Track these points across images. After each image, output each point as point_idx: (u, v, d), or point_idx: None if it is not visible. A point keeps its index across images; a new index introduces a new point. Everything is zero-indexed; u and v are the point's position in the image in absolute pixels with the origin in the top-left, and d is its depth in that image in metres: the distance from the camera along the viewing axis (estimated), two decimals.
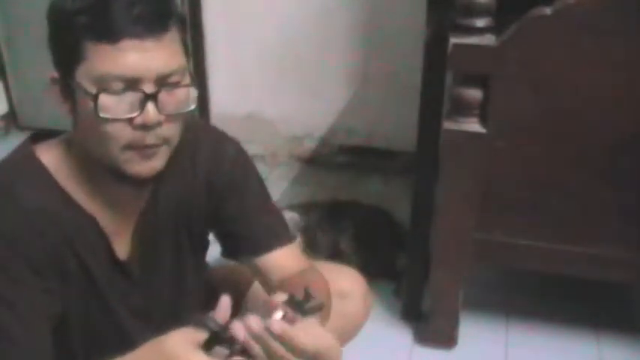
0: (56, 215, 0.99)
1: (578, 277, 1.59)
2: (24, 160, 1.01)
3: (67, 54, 0.92)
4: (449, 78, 1.49)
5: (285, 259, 1.15)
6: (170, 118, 0.93)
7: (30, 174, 1.00)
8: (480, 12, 1.39)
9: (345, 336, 1.32)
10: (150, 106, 0.90)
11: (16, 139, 2.80)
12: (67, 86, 0.94)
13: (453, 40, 1.41)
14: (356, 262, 1.93)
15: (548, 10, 1.35)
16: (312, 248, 1.99)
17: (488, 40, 1.40)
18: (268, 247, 1.15)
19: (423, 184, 1.64)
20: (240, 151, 1.17)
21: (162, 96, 0.91)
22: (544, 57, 1.39)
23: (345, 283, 1.32)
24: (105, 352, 0.93)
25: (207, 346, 0.86)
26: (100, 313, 1.08)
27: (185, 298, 1.18)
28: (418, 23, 1.58)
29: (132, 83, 0.89)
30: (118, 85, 0.89)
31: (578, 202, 1.50)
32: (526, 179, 1.50)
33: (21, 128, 2.86)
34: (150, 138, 0.93)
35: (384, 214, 2.10)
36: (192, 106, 0.96)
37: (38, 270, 0.96)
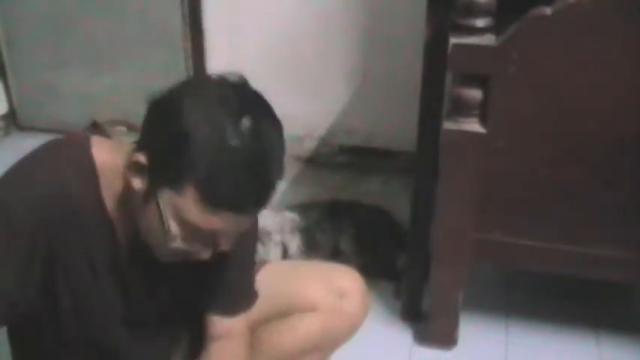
0: (77, 209, 0.99)
1: (578, 277, 1.59)
2: (75, 149, 1.01)
3: (167, 172, 0.90)
4: (449, 78, 1.49)
5: (223, 326, 1.19)
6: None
7: (74, 154, 1.00)
8: (480, 12, 1.39)
9: (343, 335, 1.36)
10: (209, 251, 0.95)
11: (16, 139, 2.81)
12: (150, 183, 0.93)
13: (453, 40, 1.41)
14: (356, 262, 1.94)
15: (548, 10, 1.35)
16: (312, 248, 2.00)
17: (488, 40, 1.40)
18: (217, 313, 1.19)
19: (423, 184, 1.64)
20: (254, 226, 1.18)
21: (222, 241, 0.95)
22: (544, 57, 1.39)
23: (343, 282, 1.34)
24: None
25: None
26: (89, 316, 1.09)
27: (171, 337, 1.23)
28: (418, 23, 1.58)
29: (211, 236, 0.93)
30: (200, 234, 0.92)
31: (578, 202, 1.50)
32: (526, 179, 1.50)
33: (21, 128, 2.86)
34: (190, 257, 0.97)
35: (384, 214, 2.10)
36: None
37: (26, 252, 0.97)
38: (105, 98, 2.61)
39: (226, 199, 0.87)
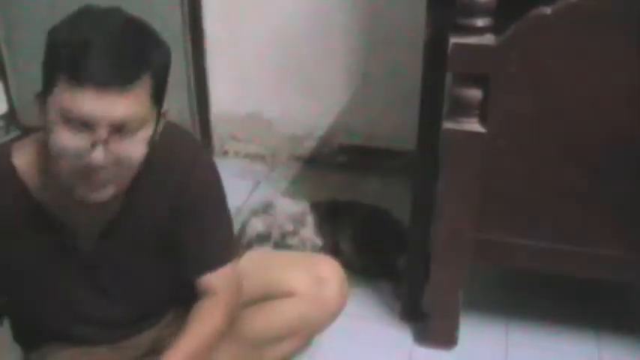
0: (10, 210, 1.09)
1: (578, 277, 1.59)
2: None
3: (45, 78, 0.98)
4: (449, 78, 1.49)
5: (208, 282, 1.23)
6: (118, 164, 0.99)
7: None
8: (480, 12, 1.39)
9: (321, 321, 1.42)
10: (97, 150, 0.95)
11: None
12: (44, 105, 1.00)
13: (453, 40, 1.41)
14: (356, 262, 1.94)
15: (548, 10, 1.35)
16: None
17: (488, 40, 1.40)
18: (200, 273, 1.23)
19: (423, 184, 1.64)
20: (209, 174, 1.23)
21: (114, 143, 0.96)
22: (544, 57, 1.39)
23: (322, 269, 1.41)
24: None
25: None
26: (56, 295, 1.19)
27: (143, 295, 1.27)
28: (418, 23, 1.58)
29: (87, 125, 0.95)
30: (75, 123, 0.95)
31: (578, 202, 1.50)
32: (526, 179, 1.50)
33: (21, 128, 2.86)
34: (95, 176, 0.99)
35: (384, 214, 2.10)
36: (140, 159, 1.01)
37: None
38: None
39: (88, 73, 0.92)
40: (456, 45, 1.40)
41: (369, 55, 2.51)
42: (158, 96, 1.01)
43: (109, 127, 0.95)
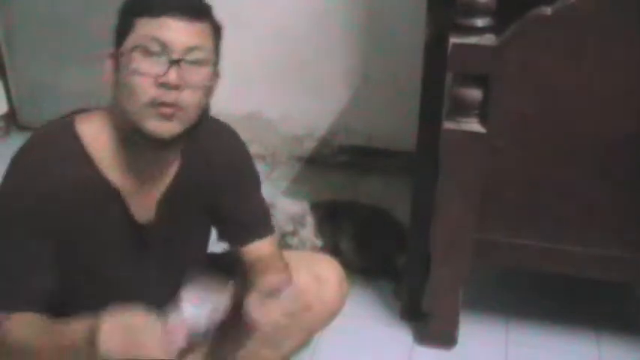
0: (77, 182, 1.12)
1: (578, 277, 1.59)
2: (60, 129, 1.16)
3: (121, 30, 1.11)
4: (449, 78, 1.49)
5: (260, 249, 1.32)
6: (189, 86, 1.08)
7: (61, 142, 1.14)
8: (480, 12, 1.39)
9: (320, 321, 1.43)
10: (172, 70, 1.06)
11: (16, 139, 2.81)
12: (117, 57, 1.11)
13: (453, 40, 1.41)
14: (356, 262, 1.94)
15: (548, 10, 1.35)
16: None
17: (488, 40, 1.40)
18: (250, 239, 1.32)
19: (423, 184, 1.64)
20: (245, 151, 1.35)
21: (185, 66, 1.07)
22: (544, 57, 1.39)
23: (321, 269, 1.42)
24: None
25: None
26: (107, 271, 1.21)
27: (186, 267, 1.29)
28: (418, 23, 1.58)
29: (162, 50, 1.06)
30: (154, 47, 1.06)
31: (578, 202, 1.50)
32: (526, 179, 1.50)
33: (21, 128, 2.86)
34: (168, 97, 1.07)
35: (384, 214, 2.10)
36: (210, 84, 1.13)
37: (41, 234, 1.11)
38: (105, 98, 2.61)
39: (162, 7, 1.07)
40: (456, 45, 1.40)
41: (369, 55, 2.51)
42: (217, 46, 1.14)
43: (182, 49, 1.07)
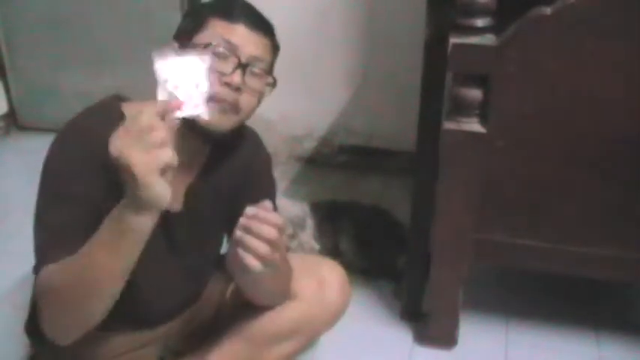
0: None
1: (578, 277, 1.59)
2: (107, 106, 1.21)
3: (192, 25, 1.19)
4: (449, 78, 1.49)
5: None
6: (248, 90, 1.18)
7: (108, 115, 1.15)
8: (480, 12, 1.39)
9: (323, 324, 1.44)
10: (238, 72, 1.15)
11: (16, 139, 2.82)
12: (185, 45, 1.17)
13: (453, 40, 1.41)
14: (356, 262, 1.94)
15: (548, 10, 1.35)
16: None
17: (488, 40, 1.40)
18: None
19: (423, 184, 1.64)
20: (269, 157, 1.42)
21: (249, 73, 1.17)
22: (544, 57, 1.39)
23: (324, 272, 1.42)
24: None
25: None
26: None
27: (205, 262, 1.38)
28: (418, 23, 1.58)
29: (233, 50, 1.15)
30: (225, 48, 1.15)
31: (578, 202, 1.50)
32: (526, 179, 1.50)
33: (21, 128, 2.86)
34: (229, 96, 1.15)
35: (384, 214, 2.10)
36: (265, 94, 1.24)
37: (91, 195, 1.10)
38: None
39: (240, 15, 1.18)
40: (456, 45, 1.40)
41: (369, 55, 2.51)
42: (273, 63, 1.25)
43: (249, 56, 1.17)
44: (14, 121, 2.88)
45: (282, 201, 2.12)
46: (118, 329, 1.28)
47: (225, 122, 1.17)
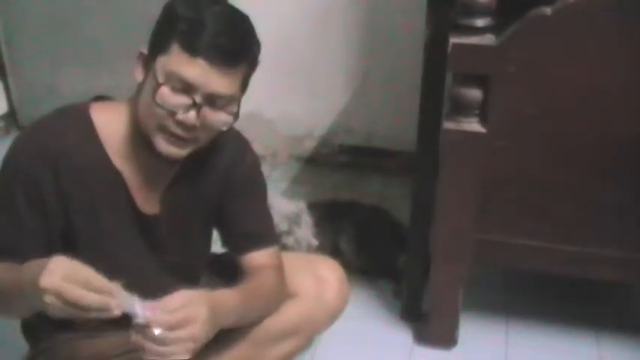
0: (81, 155, 1.14)
1: (578, 277, 1.59)
2: (74, 110, 1.19)
3: (159, 42, 1.11)
4: (449, 78, 1.49)
5: (256, 260, 1.31)
6: (204, 128, 1.12)
7: (73, 119, 1.17)
8: (480, 12, 1.39)
9: (322, 322, 1.44)
10: (192, 112, 1.09)
11: None
12: (148, 64, 1.13)
13: (453, 40, 1.41)
14: (356, 262, 1.94)
15: (548, 10, 1.35)
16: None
17: (489, 40, 1.40)
18: (248, 249, 1.31)
19: (423, 184, 1.64)
20: (256, 162, 1.36)
21: (205, 110, 1.11)
22: (544, 57, 1.39)
23: (323, 271, 1.42)
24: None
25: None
26: (111, 258, 1.18)
27: (190, 261, 1.35)
28: (418, 23, 1.59)
29: (188, 89, 1.08)
30: (178, 85, 1.08)
31: (578, 202, 1.50)
32: (526, 179, 1.50)
33: (21, 128, 2.86)
34: (182, 132, 1.11)
35: (384, 214, 2.10)
36: (224, 129, 1.16)
37: (37, 204, 1.13)
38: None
39: (201, 48, 1.07)
40: (456, 45, 1.40)
41: (369, 55, 2.51)
42: (246, 81, 1.17)
43: (206, 96, 1.09)
44: (14, 121, 2.88)
45: (277, 199, 2.12)
46: (110, 329, 1.27)
47: (178, 152, 1.14)
